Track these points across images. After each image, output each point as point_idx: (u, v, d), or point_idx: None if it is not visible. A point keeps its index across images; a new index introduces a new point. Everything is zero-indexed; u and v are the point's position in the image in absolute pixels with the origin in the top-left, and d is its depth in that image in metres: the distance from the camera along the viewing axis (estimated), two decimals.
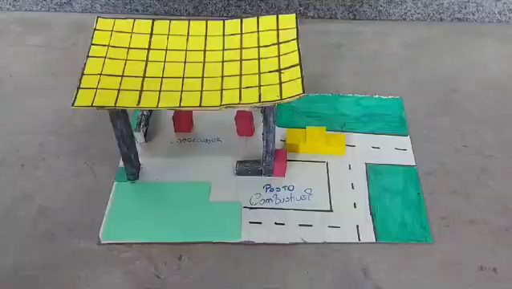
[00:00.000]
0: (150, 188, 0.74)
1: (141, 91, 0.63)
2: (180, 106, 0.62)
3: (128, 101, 0.62)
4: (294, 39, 0.68)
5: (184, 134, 0.81)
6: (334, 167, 0.76)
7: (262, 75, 0.65)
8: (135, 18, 0.72)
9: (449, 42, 0.98)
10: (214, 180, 0.74)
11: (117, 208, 0.71)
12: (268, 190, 0.74)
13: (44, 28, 1.01)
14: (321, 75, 0.91)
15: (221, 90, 0.64)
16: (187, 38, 0.71)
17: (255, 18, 0.72)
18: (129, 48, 0.68)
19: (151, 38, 0.70)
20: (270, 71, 0.65)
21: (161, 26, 0.72)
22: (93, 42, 0.68)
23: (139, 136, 0.78)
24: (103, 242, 0.67)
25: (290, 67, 0.65)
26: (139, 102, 0.62)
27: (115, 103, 0.61)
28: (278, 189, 0.74)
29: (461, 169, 0.76)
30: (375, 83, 0.90)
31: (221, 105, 0.61)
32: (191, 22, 0.73)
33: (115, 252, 0.67)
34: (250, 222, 0.70)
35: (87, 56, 0.67)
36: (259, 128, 0.80)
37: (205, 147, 0.79)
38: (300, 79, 0.62)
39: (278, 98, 0.61)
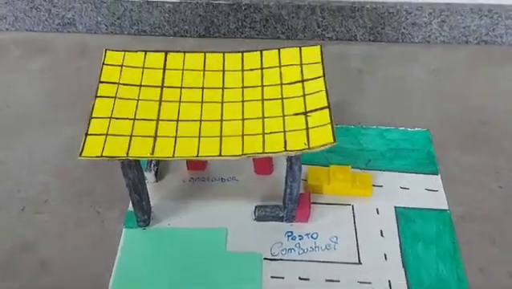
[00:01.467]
0: (162, 235, 0.68)
1: (155, 137, 0.57)
2: (197, 156, 0.56)
3: (141, 150, 0.56)
4: (320, 77, 0.62)
5: (198, 173, 0.75)
6: (360, 211, 0.71)
7: (286, 117, 0.59)
8: (146, 51, 0.66)
9: (477, 68, 0.92)
10: (231, 225, 0.69)
11: (127, 259, 0.65)
12: (290, 238, 0.68)
13: (46, 51, 0.95)
14: (342, 103, 0.85)
15: (242, 135, 0.58)
16: (203, 74, 0.65)
17: (276, 51, 0.66)
18: (141, 86, 0.63)
19: (164, 73, 0.64)
20: (295, 114, 0.59)
21: (175, 59, 0.66)
22: (101, 79, 0.62)
23: (149, 176, 0.73)
24: None
25: (317, 110, 0.59)
26: (153, 151, 0.56)
27: (128, 153, 0.55)
28: (301, 237, 0.68)
29: (497, 214, 0.71)
30: (400, 113, 0.84)
31: (242, 154, 0.56)
32: (207, 54, 0.67)
33: None
34: (272, 277, 0.64)
35: (96, 96, 0.61)
36: (277, 166, 0.74)
37: (220, 187, 0.73)
38: (330, 125, 0.56)
39: (306, 146, 0.55)
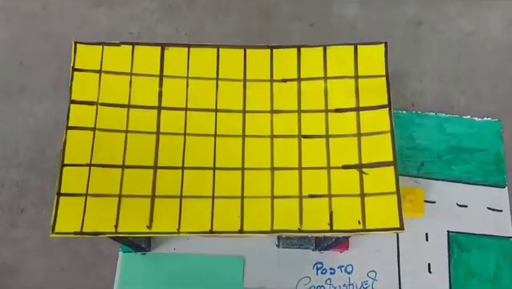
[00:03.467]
0: (167, 262, 0.57)
1: (153, 197, 0.42)
2: (211, 231, 0.41)
3: (134, 222, 0.41)
4: (385, 106, 0.44)
5: None
6: (407, 237, 0.58)
7: (333, 171, 0.43)
8: (133, 43, 0.46)
9: None
10: (249, 254, 0.57)
11: None
12: (320, 272, 0.57)
13: None
14: (392, 74, 0.66)
15: (272, 197, 0.42)
16: (216, 85, 0.46)
17: (321, 49, 0.46)
18: (130, 106, 0.45)
19: (161, 84, 0.46)
20: (345, 166, 0.43)
21: (176, 57, 0.46)
22: (72, 97, 0.44)
23: None
24: None
25: (377, 165, 0.42)
26: (151, 222, 0.41)
27: (116, 227, 0.41)
28: (333, 271, 0.57)
29: None
30: (466, 91, 0.66)
31: (272, 231, 0.41)
32: (221, 50, 0.47)
33: None
34: None
35: (66, 128, 0.43)
36: None
37: None
38: (395, 197, 0.41)
39: (361, 226, 0.41)
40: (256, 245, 0.57)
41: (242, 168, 0.43)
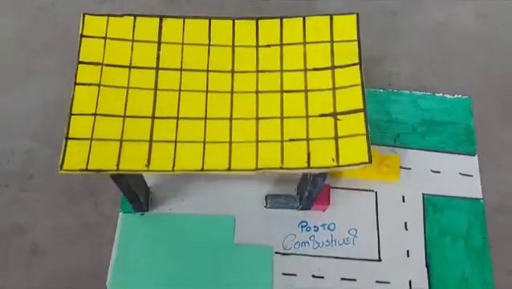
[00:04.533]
0: (163, 222, 0.62)
1: (151, 141, 0.48)
2: (202, 169, 0.47)
3: (134, 161, 0.47)
4: (355, 64, 0.50)
5: None
6: (384, 199, 0.63)
7: (310, 119, 0.48)
8: (135, 15, 0.53)
9: None
10: (239, 213, 0.62)
11: (126, 249, 0.60)
12: (304, 230, 0.61)
13: None
14: (369, 58, 0.72)
15: (257, 142, 0.48)
16: (208, 50, 0.52)
17: (300, 19, 0.53)
18: (131, 67, 0.51)
19: (159, 48, 0.52)
20: (321, 115, 0.48)
21: (173, 27, 0.53)
22: (81, 58, 0.50)
23: None
24: None
25: (349, 112, 0.48)
26: (149, 162, 0.47)
27: (118, 165, 0.46)
28: (317, 229, 0.62)
29: None
30: (438, 73, 0.72)
31: (256, 169, 0.46)
32: (213, 22, 0.53)
33: None
34: (284, 274, 0.59)
35: (75, 83, 0.49)
36: None
37: None
38: (365, 137, 0.46)
39: (334, 163, 0.46)
40: (246, 205, 0.62)
41: (230, 118, 0.49)
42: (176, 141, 0.48)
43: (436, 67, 0.72)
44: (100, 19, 0.52)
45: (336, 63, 0.50)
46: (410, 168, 0.65)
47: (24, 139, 0.66)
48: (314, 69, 0.51)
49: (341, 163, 0.46)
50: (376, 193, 0.64)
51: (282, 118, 0.49)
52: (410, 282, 0.59)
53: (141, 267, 0.59)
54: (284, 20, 0.53)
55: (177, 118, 0.49)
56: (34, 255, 0.59)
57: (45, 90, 0.68)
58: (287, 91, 0.50)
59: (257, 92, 0.50)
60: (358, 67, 0.49)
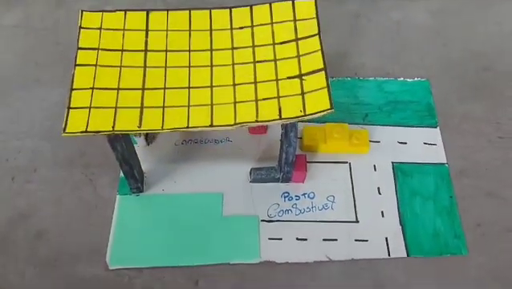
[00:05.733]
0: (157, 201, 0.67)
1: (142, 108, 0.54)
2: (188, 126, 0.53)
3: (127, 123, 0.53)
4: (315, 35, 0.58)
5: (190, 134, 0.73)
6: (357, 168, 0.69)
7: (280, 82, 0.56)
8: (126, 10, 0.61)
9: (482, 8, 0.87)
10: (227, 189, 0.67)
11: (123, 227, 0.65)
12: (287, 199, 0.67)
13: (20, 3, 0.89)
14: (337, 53, 0.81)
15: (234, 103, 0.55)
16: (189, 34, 0.60)
17: (267, 6, 0.62)
18: (123, 50, 0.58)
19: (147, 35, 0.60)
20: (289, 77, 0.56)
21: (158, 18, 0.61)
22: (80, 45, 0.58)
23: (140, 141, 0.70)
24: (111, 267, 0.62)
25: (312, 72, 0.55)
26: (140, 123, 0.53)
27: (113, 127, 0.53)
28: (298, 198, 0.67)
29: (496, 166, 0.70)
30: (399, 62, 0.80)
31: (235, 124, 0.53)
32: (192, 12, 0.62)
33: (125, 278, 0.61)
34: (270, 239, 0.64)
35: (75, 65, 0.57)
36: (272, 126, 0.72)
37: (213, 148, 0.71)
38: (326, 89, 0.53)
39: (302, 113, 0.53)
40: (232, 183, 0.68)
41: (211, 86, 0.56)
42: (164, 106, 0.55)
43: (396, 57, 0.81)
44: (96, 14, 0.61)
45: (299, 36, 0.58)
46: (379, 142, 0.72)
47: (30, 138, 0.72)
48: (281, 42, 0.59)
49: (308, 112, 0.53)
50: (350, 164, 0.70)
51: (255, 83, 0.56)
52: (386, 238, 0.64)
53: (138, 243, 0.64)
54: (253, 7, 0.62)
55: (164, 88, 0.56)
56: (39, 238, 0.64)
57: (49, 96, 0.76)
58: (259, 62, 0.58)
59: (233, 65, 0.58)
60: (317, 37, 0.58)
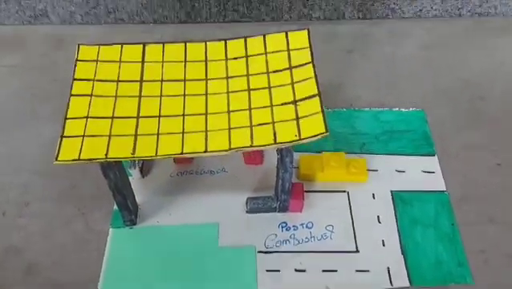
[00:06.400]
0: (151, 233, 0.66)
1: (136, 135, 0.54)
2: (182, 153, 0.53)
3: (121, 150, 0.53)
4: (308, 63, 0.59)
5: (185, 166, 0.72)
6: (356, 197, 0.68)
7: (274, 108, 0.56)
8: (122, 43, 0.63)
9: (471, 41, 0.89)
10: (223, 220, 0.66)
11: (115, 260, 0.63)
12: (284, 229, 0.65)
13: (19, 45, 0.91)
14: (332, 86, 0.82)
15: (229, 129, 0.55)
16: (184, 65, 0.61)
17: (261, 37, 0.63)
18: (118, 81, 0.59)
19: (143, 66, 0.61)
20: (283, 103, 0.56)
21: (154, 50, 0.62)
22: (76, 76, 0.59)
23: (135, 173, 0.70)
24: None
25: (307, 98, 0.56)
26: (134, 150, 0.53)
27: (107, 154, 0.52)
28: (296, 228, 0.66)
29: (497, 193, 0.69)
30: (394, 93, 0.81)
31: (230, 149, 0.53)
32: (188, 44, 0.63)
33: None
34: (267, 270, 0.62)
35: (70, 95, 0.57)
36: (268, 155, 0.72)
37: (209, 180, 0.71)
38: (321, 114, 0.53)
39: (297, 138, 0.53)
40: (228, 213, 0.67)
41: (206, 114, 0.56)
42: (158, 134, 0.55)
43: (391, 88, 0.81)
44: (93, 48, 0.62)
45: (293, 64, 0.59)
46: (377, 170, 0.71)
47: (22, 173, 0.72)
48: (275, 71, 0.59)
49: (303, 136, 0.52)
50: (348, 192, 0.69)
51: (250, 109, 0.56)
52: (388, 268, 0.62)
53: (131, 276, 0.62)
54: (248, 39, 0.63)
55: (159, 116, 0.56)
56: (29, 273, 0.62)
57: (43, 131, 0.76)
58: (253, 89, 0.58)
59: (227, 93, 0.58)
60: (311, 65, 0.58)
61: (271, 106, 0.56)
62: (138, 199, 0.67)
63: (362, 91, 0.81)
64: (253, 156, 0.71)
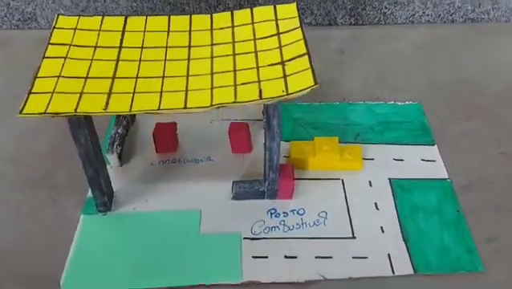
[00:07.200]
0: (126, 220, 0.59)
1: (110, 93, 0.50)
2: (159, 109, 0.48)
3: (92, 105, 0.48)
4: (297, 28, 0.56)
5: (168, 154, 0.67)
6: (351, 185, 0.63)
7: (261, 68, 0.52)
8: (103, 15, 0.60)
9: (465, 43, 0.87)
10: (205, 206, 0.60)
11: (84, 249, 0.56)
12: (274, 216, 0.59)
13: (5, 46, 0.89)
14: (324, 82, 0.78)
15: (212, 88, 0.51)
16: (167, 35, 0.58)
17: (248, 10, 0.60)
18: (96, 47, 0.56)
19: (123, 35, 0.58)
20: (270, 64, 0.53)
21: (136, 22, 0.60)
22: (51, 41, 0.55)
23: (112, 159, 0.65)
24: None
25: (295, 58, 0.52)
26: (106, 106, 0.48)
27: (76, 109, 0.48)
28: (286, 214, 0.60)
29: (502, 180, 0.63)
30: (389, 88, 0.78)
31: (211, 105, 0.48)
32: (172, 17, 0.60)
33: None
34: (254, 257, 0.55)
35: (43, 57, 0.53)
36: (257, 144, 0.67)
37: (193, 168, 0.65)
38: (310, 70, 0.50)
39: (284, 93, 0.48)
40: (211, 200, 0.61)
41: (187, 76, 0.53)
42: (134, 92, 0.50)
43: (385, 83, 0.78)
44: (72, 18, 0.59)
45: (281, 31, 0.56)
46: (373, 159, 0.66)
47: None
48: (262, 37, 0.56)
49: (290, 91, 0.48)
50: (343, 180, 0.63)
51: (234, 71, 0.53)
52: (389, 255, 0.55)
53: (101, 265, 0.55)
54: (234, 12, 0.61)
55: (136, 77, 0.52)
56: None
57: (21, 124, 0.72)
58: (239, 54, 0.55)
59: (211, 58, 0.55)
60: (299, 29, 0.55)
61: (257, 67, 0.53)
62: (115, 187, 0.62)
63: (355, 86, 0.78)
64: (241, 144, 0.66)
